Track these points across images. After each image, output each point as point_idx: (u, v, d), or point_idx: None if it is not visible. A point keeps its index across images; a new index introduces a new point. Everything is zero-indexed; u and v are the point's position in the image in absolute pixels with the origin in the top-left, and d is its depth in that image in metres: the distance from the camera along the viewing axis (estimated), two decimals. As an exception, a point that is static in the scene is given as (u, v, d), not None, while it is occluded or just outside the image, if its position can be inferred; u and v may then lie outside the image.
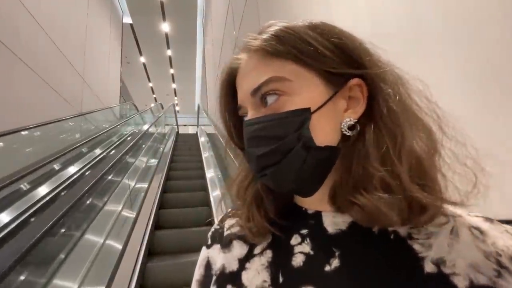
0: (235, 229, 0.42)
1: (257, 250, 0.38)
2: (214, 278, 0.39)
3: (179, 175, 4.64)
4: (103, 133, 5.13)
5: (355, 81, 0.34)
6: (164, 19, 10.46)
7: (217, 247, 0.43)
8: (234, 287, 0.36)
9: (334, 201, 0.35)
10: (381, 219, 0.30)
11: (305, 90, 0.33)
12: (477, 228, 0.29)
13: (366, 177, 0.31)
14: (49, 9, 4.73)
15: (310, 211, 0.37)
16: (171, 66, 13.81)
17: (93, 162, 3.56)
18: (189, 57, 12.97)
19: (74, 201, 2.01)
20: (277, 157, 0.32)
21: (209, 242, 0.45)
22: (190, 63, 13.54)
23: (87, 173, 3.21)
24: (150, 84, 15.92)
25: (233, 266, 0.38)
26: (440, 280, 0.28)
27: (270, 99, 0.33)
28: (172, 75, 14.75)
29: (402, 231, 0.32)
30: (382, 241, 0.32)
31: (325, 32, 0.34)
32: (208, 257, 0.43)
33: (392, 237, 0.32)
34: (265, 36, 0.35)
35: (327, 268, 0.32)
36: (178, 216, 3.14)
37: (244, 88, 0.36)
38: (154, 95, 17.55)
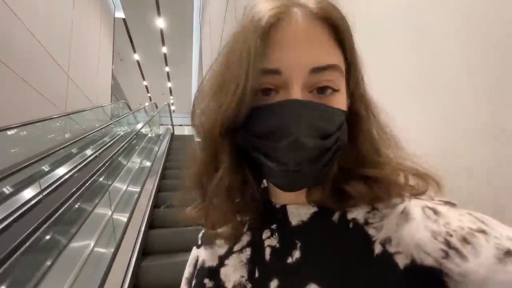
0: (222, 232, 0.39)
1: (236, 248, 0.39)
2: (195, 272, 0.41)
3: (174, 174, 4.41)
4: (88, 134, 4.66)
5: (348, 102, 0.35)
6: (158, 13, 9.96)
7: (206, 247, 0.44)
8: (211, 281, 0.38)
9: (312, 191, 0.35)
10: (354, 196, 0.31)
11: (343, 94, 0.33)
12: (433, 209, 0.28)
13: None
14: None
15: (277, 206, 0.38)
16: (167, 64, 13.28)
17: (80, 166, 3.33)
18: (185, 54, 12.44)
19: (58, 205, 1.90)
20: (321, 153, 0.30)
21: (199, 242, 0.45)
22: (186, 61, 13.01)
23: (71, 176, 3.05)
24: (145, 83, 15.37)
25: (213, 262, 0.39)
26: (384, 260, 0.27)
27: (327, 89, 0.31)
28: (168, 73, 14.21)
29: (360, 217, 0.32)
30: (341, 229, 0.32)
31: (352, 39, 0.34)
32: (197, 256, 0.44)
33: (351, 225, 0.32)
34: (331, 6, 0.32)
35: (289, 260, 0.33)
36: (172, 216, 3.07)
37: (301, 55, 0.29)
38: (149, 94, 16.99)
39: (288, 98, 0.29)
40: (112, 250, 2.16)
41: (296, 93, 0.29)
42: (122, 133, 6.36)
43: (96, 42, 7.69)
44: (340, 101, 0.32)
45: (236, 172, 0.35)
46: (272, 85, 0.30)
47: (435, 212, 0.27)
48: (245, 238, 0.39)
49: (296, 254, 0.32)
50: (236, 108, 0.30)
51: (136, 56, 12.61)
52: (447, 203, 0.29)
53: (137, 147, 5.27)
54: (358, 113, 0.34)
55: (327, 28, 0.31)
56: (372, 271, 0.27)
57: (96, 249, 2.25)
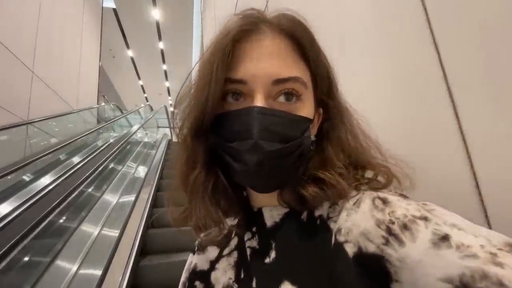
0: (210, 236, 0.41)
1: (225, 252, 0.41)
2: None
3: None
4: (63, 146, 3.57)
5: (320, 110, 0.39)
6: (154, 3, 8.70)
7: (199, 253, 0.45)
8: (201, 284, 0.40)
9: (283, 193, 0.36)
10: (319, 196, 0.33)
11: (308, 103, 0.36)
12: (382, 199, 0.30)
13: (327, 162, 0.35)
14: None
15: (255, 209, 0.40)
16: (164, 61, 11.99)
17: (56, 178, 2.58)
18: (185, 50, 11.14)
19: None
20: (282, 156, 0.32)
21: (196, 249, 0.46)
22: (185, 58, 11.68)
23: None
24: (140, 82, 14.07)
25: (205, 266, 0.42)
26: (337, 250, 0.29)
27: (290, 98, 0.34)
28: (165, 71, 12.91)
29: (324, 213, 0.34)
30: (310, 226, 0.34)
31: (323, 52, 0.37)
32: (192, 262, 0.45)
33: (318, 222, 0.34)
34: (295, 23, 0.35)
35: (267, 260, 0.35)
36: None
37: (265, 68, 0.33)
38: (145, 95, 15.68)
39: (251, 105, 0.32)
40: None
41: (259, 101, 0.32)
42: (111, 140, 5.33)
43: (77, 34, 6.39)
44: (304, 110, 0.35)
45: (210, 171, 0.37)
46: (241, 92, 0.34)
47: (384, 201, 0.29)
48: (233, 243, 0.41)
49: (272, 254, 0.35)
50: (201, 114, 0.34)
51: (130, 53, 11.33)
52: (402, 195, 0.31)
53: (128, 155, 4.48)
54: (331, 121, 0.38)
55: (291, 43, 0.35)
56: (331, 262, 0.29)
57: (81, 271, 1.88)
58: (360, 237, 0.27)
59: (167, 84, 14.27)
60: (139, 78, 13.50)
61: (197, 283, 0.41)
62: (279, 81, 0.32)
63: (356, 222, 0.28)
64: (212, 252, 0.42)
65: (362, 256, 0.26)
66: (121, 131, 6.95)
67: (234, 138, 0.33)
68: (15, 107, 3.80)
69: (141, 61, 11.96)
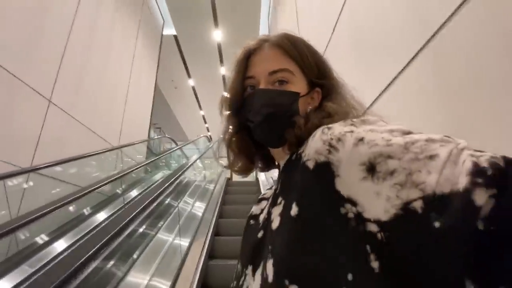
0: (265, 193, 0.59)
1: (268, 202, 0.53)
2: None
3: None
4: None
5: (317, 89, 0.54)
6: (216, 24, 7.89)
7: (256, 204, 0.59)
8: (253, 221, 0.53)
9: (289, 147, 0.49)
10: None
11: (298, 84, 0.51)
12: (328, 127, 0.39)
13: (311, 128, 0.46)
14: None
15: (280, 164, 0.52)
16: (225, 89, 11.18)
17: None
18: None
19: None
20: (276, 117, 0.49)
21: (257, 202, 0.59)
22: (248, 83, 10.70)
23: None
24: (202, 112, 13.56)
25: (257, 211, 0.55)
26: (303, 167, 0.39)
27: (280, 82, 0.50)
28: (227, 99, 12.10)
29: (301, 150, 0.44)
30: (294, 161, 0.44)
31: (313, 51, 0.54)
32: (251, 211, 0.58)
33: (298, 157, 0.43)
34: (284, 38, 0.53)
35: (278, 200, 0.44)
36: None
37: (264, 66, 0.51)
38: (206, 125, 15.18)
39: (256, 88, 0.51)
40: None
41: (262, 85, 0.50)
42: (159, 179, 4.53)
43: (126, 64, 5.59)
44: (293, 88, 0.50)
45: (242, 137, 0.56)
46: (252, 83, 0.52)
47: (329, 128, 0.39)
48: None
49: (278, 187, 0.48)
50: (234, 98, 0.54)
51: (191, 82, 10.79)
52: (352, 123, 0.39)
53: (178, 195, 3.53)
54: (325, 93, 0.54)
55: (280, 50, 0.52)
56: (301, 178, 0.39)
57: None
58: (315, 155, 0.37)
59: (228, 112, 13.43)
60: (200, 108, 12.96)
61: (251, 221, 0.54)
62: (272, 72, 0.50)
63: (312, 145, 0.39)
64: (264, 203, 0.55)
65: (317, 166, 0.37)
66: (173, 166, 6.13)
67: (250, 109, 0.51)
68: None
69: (202, 90, 11.34)
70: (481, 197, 0.22)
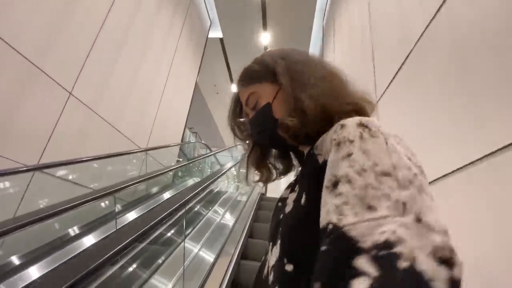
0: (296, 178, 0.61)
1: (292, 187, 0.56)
2: None
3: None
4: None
5: (280, 89, 0.58)
6: (264, 27, 7.40)
7: (286, 189, 0.63)
8: (280, 204, 0.57)
9: (297, 141, 0.58)
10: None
11: (264, 93, 0.59)
12: (341, 124, 0.42)
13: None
14: None
15: (305, 153, 0.59)
16: (268, 97, 10.63)
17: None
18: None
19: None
20: (261, 129, 0.59)
21: (287, 187, 0.62)
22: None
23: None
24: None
25: (285, 195, 0.56)
26: (314, 160, 0.46)
27: (253, 105, 0.60)
28: (269, 108, 11.53)
29: (314, 145, 0.50)
30: (308, 155, 0.50)
31: (274, 59, 0.60)
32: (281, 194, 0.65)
33: (311, 151, 0.49)
34: (240, 74, 0.63)
35: (296, 188, 0.50)
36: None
37: (243, 102, 0.62)
38: (246, 133, 14.74)
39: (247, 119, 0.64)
40: None
41: (250, 115, 0.61)
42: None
43: (164, 65, 5.24)
44: (263, 102, 0.58)
45: (255, 151, 0.67)
46: (246, 115, 0.64)
47: (342, 126, 0.42)
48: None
49: (297, 178, 0.53)
50: (238, 128, 0.69)
51: (234, 88, 10.43)
52: (363, 118, 0.42)
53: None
54: (294, 86, 0.56)
55: (241, 83, 0.63)
56: (312, 170, 0.45)
57: None
58: (325, 151, 0.43)
59: (269, 122, 12.83)
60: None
61: (279, 204, 0.58)
62: (245, 103, 0.62)
63: (324, 142, 0.45)
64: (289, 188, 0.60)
65: (325, 162, 0.41)
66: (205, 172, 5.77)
67: (251, 133, 0.64)
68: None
69: (244, 97, 10.92)
70: (364, 265, 0.27)
